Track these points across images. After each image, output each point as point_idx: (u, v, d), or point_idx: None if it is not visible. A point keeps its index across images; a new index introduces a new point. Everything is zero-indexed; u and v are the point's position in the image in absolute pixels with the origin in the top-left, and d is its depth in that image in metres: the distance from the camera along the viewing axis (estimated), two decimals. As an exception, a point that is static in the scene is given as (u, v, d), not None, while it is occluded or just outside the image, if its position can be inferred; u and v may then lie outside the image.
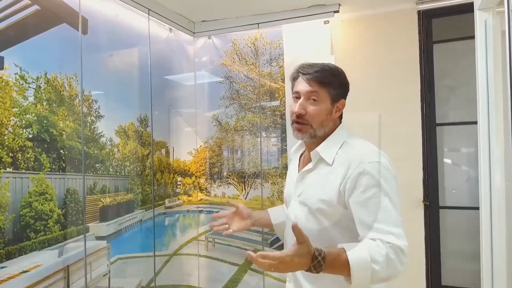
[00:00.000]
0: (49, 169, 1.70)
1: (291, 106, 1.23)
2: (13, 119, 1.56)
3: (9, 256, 1.50)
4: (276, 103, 2.68)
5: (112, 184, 2.11)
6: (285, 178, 2.61)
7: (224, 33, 2.77)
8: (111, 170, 2.10)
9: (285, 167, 2.61)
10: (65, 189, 1.78)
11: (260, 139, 2.71)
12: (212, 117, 2.87)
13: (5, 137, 1.52)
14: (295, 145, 1.40)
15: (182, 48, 2.81)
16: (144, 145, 2.39)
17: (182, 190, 2.86)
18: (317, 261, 0.97)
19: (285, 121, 2.61)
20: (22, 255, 1.56)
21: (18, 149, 1.57)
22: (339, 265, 0.99)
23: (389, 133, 2.46)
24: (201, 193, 2.90)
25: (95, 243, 1.96)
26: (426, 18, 2.45)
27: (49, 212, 1.68)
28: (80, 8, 1.87)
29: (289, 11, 2.50)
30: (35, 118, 1.66)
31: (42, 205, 1.64)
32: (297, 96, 1.21)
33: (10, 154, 1.54)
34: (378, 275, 0.98)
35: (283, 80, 2.62)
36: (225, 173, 2.85)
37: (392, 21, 2.49)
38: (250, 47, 2.74)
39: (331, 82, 1.18)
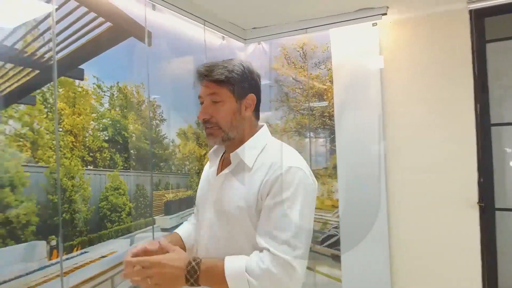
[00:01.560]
0: (122, 167, 1.92)
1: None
2: (92, 123, 1.79)
3: (91, 242, 1.73)
4: (325, 104, 2.75)
5: (174, 182, 2.31)
6: (335, 178, 2.68)
7: (274, 39, 2.89)
8: (173, 168, 2.30)
9: (335, 167, 2.68)
10: (135, 185, 2.00)
11: (309, 139, 2.80)
12: (262, 119, 3.00)
13: (86, 139, 1.75)
14: (214, 147, 1.24)
15: (234, 54, 2.97)
16: (201, 146, 2.57)
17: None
18: (191, 266, 0.93)
19: (334, 122, 2.68)
20: (100, 242, 1.78)
21: (96, 149, 1.80)
22: (217, 274, 0.93)
23: (442, 134, 2.45)
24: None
25: (161, 234, 2.16)
26: (478, 17, 2.40)
27: (122, 205, 1.90)
28: (146, 23, 2.09)
29: (336, 16, 2.57)
30: (110, 122, 1.89)
31: (116, 198, 1.87)
32: (200, 101, 1.13)
33: (90, 154, 1.77)
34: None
35: (331, 82, 2.69)
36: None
37: (442, 21, 2.47)
38: (298, 51, 2.84)
39: (229, 78, 1.07)
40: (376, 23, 2.49)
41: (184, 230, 1.32)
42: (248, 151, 1.09)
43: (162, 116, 2.24)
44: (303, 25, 2.71)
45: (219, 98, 1.08)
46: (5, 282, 1.38)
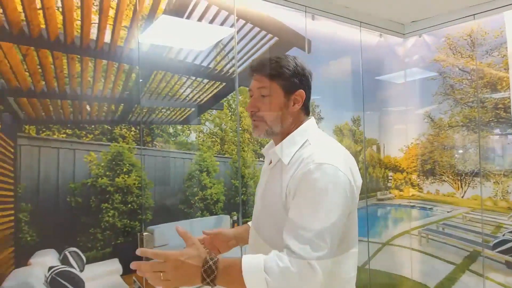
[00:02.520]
0: (286, 160, 2.24)
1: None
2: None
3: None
4: (499, 95, 2.48)
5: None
6: (511, 177, 2.39)
7: (437, 30, 2.76)
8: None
9: (511, 165, 2.40)
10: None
11: (479, 134, 2.57)
12: (424, 114, 2.91)
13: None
14: (269, 143, 1.23)
15: (392, 50, 2.97)
16: (357, 142, 2.70)
17: (393, 185, 3.01)
18: (208, 266, 0.89)
19: (511, 114, 2.39)
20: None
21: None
22: (234, 273, 0.88)
23: None
24: (413, 188, 2.98)
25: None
26: None
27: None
28: (306, 33, 2.35)
29: (512, -5, 2.30)
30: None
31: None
32: (250, 94, 1.13)
33: (261, 148, 2.13)
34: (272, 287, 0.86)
35: (506, 70, 2.41)
36: (438, 170, 2.83)
37: None
38: (465, 39, 2.64)
39: (279, 73, 1.07)
40: None
41: None
42: (286, 148, 1.07)
43: (320, 115, 2.46)
44: (470, 11, 2.51)
45: (267, 92, 1.08)
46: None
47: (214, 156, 1.89)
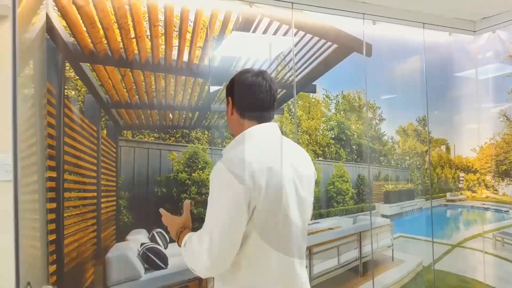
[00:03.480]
0: (345, 159, 2.37)
1: None
2: (322, 125, 2.32)
3: (321, 216, 2.27)
4: None
5: (394, 174, 2.57)
6: None
7: (510, 24, 2.64)
8: (392, 162, 2.57)
9: None
10: (357, 174, 2.41)
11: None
12: (499, 113, 2.78)
13: (318, 137, 2.30)
14: None
15: (463, 49, 2.90)
16: (423, 142, 2.71)
17: (466, 186, 2.93)
18: (179, 231, 1.22)
19: None
20: (328, 217, 2.29)
21: (325, 145, 2.32)
22: (180, 242, 1.20)
23: None
24: (487, 190, 2.86)
25: (381, 219, 2.48)
26: None
27: (346, 190, 2.35)
28: (364, 37, 2.45)
29: None
30: (335, 123, 2.37)
31: (341, 184, 2.34)
32: None
33: (320, 149, 2.30)
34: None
35: None
36: (515, 171, 2.69)
37: None
38: (544, 32, 2.49)
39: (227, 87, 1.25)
40: None
41: None
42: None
43: (382, 116, 2.54)
44: (547, 3, 2.38)
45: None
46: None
47: (275, 156, 2.12)
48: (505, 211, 2.74)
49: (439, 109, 2.81)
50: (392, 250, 2.53)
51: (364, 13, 2.40)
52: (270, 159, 1.08)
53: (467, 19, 2.77)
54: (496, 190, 2.81)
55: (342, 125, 2.39)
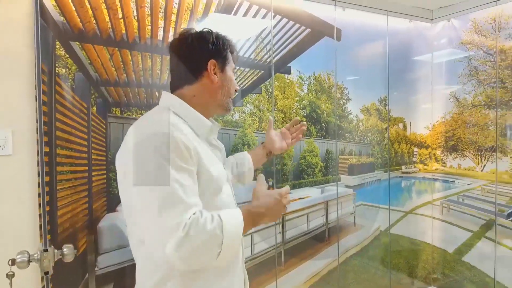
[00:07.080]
0: (316, 136, 2.60)
1: (233, 82, 1.25)
2: (295, 104, 2.52)
3: (293, 187, 2.50)
4: (520, 76, 2.65)
5: (357, 149, 2.84)
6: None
7: (464, 14, 2.93)
8: (356, 138, 2.84)
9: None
10: (325, 149, 2.65)
11: (496, 113, 2.76)
12: (449, 94, 3.11)
13: (292, 115, 2.50)
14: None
15: (421, 34, 3.17)
16: (383, 120, 2.99)
17: (419, 160, 3.28)
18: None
19: (529, 95, 2.57)
20: (299, 188, 2.53)
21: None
22: None
23: None
24: (437, 163, 3.23)
25: (345, 189, 2.76)
26: None
27: (315, 164, 2.59)
28: (335, 23, 2.64)
29: (534, -18, 2.43)
30: (308, 102, 2.58)
31: (311, 158, 2.57)
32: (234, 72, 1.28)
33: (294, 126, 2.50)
34: None
35: (527, 53, 2.57)
36: (461, 146, 3.05)
37: None
38: (490, 23, 2.80)
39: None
40: None
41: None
42: None
43: (348, 96, 2.78)
44: (494, -3, 2.67)
45: None
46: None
47: (254, 132, 2.30)
48: (451, 181, 3.11)
49: (398, 90, 3.09)
50: (354, 216, 2.83)
51: (335, 0, 2.58)
52: None
53: (426, 8, 3.03)
54: (444, 163, 3.18)
55: (314, 104, 2.60)
